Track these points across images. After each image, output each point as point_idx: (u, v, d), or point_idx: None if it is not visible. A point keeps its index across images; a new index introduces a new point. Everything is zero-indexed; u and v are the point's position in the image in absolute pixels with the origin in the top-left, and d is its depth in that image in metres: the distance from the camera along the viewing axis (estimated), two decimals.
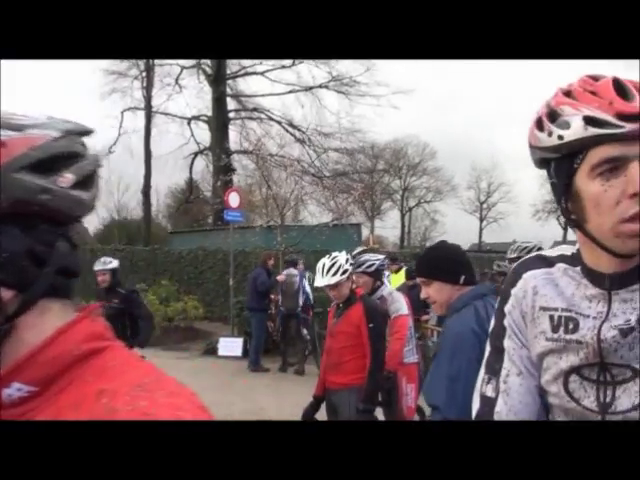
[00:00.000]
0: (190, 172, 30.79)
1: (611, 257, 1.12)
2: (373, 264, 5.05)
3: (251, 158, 17.34)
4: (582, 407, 1.20)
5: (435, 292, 2.58)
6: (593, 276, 1.18)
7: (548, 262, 1.29)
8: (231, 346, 11.38)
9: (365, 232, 37.16)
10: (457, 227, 44.82)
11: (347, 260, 4.25)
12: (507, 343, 1.30)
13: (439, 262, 2.62)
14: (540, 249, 4.77)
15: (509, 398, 1.28)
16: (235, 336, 11.86)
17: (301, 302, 10.55)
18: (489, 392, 1.31)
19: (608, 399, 1.17)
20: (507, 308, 1.31)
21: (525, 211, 52.18)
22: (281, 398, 7.59)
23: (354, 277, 6.03)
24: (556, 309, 1.22)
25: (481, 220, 46.63)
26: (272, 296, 10.88)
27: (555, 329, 1.22)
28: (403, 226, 45.80)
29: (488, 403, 1.31)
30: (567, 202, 1.17)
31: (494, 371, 1.32)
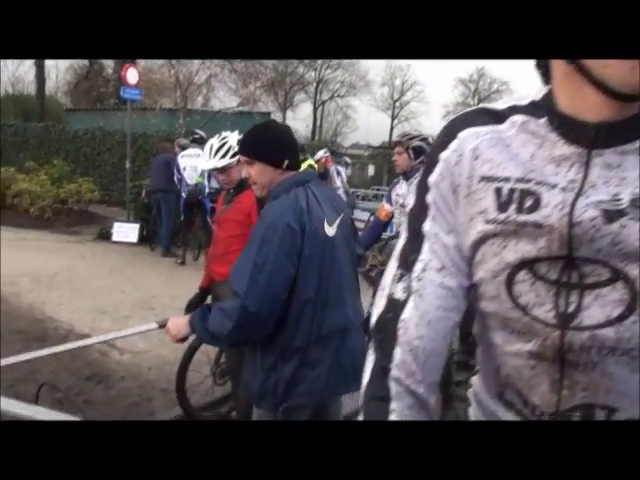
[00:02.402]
0: None
1: (603, 98, 0.78)
2: None
3: None
4: (531, 317, 0.87)
5: (256, 173, 2.46)
6: (569, 127, 0.83)
7: (496, 116, 0.92)
8: (126, 232, 10.90)
9: None
10: (368, 124, 44.89)
11: (239, 142, 3.82)
12: (428, 227, 0.95)
13: (264, 143, 2.47)
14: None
15: (422, 301, 0.94)
16: (131, 222, 11.36)
17: (207, 190, 9.21)
18: (398, 293, 0.96)
19: (571, 308, 0.84)
20: (432, 179, 0.95)
21: (436, 112, 53.13)
22: (174, 287, 7.32)
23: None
24: (507, 179, 0.87)
25: (393, 118, 46.75)
26: None
27: (503, 207, 0.87)
28: (315, 119, 45.28)
29: (394, 307, 0.96)
30: None
31: (408, 265, 0.97)
